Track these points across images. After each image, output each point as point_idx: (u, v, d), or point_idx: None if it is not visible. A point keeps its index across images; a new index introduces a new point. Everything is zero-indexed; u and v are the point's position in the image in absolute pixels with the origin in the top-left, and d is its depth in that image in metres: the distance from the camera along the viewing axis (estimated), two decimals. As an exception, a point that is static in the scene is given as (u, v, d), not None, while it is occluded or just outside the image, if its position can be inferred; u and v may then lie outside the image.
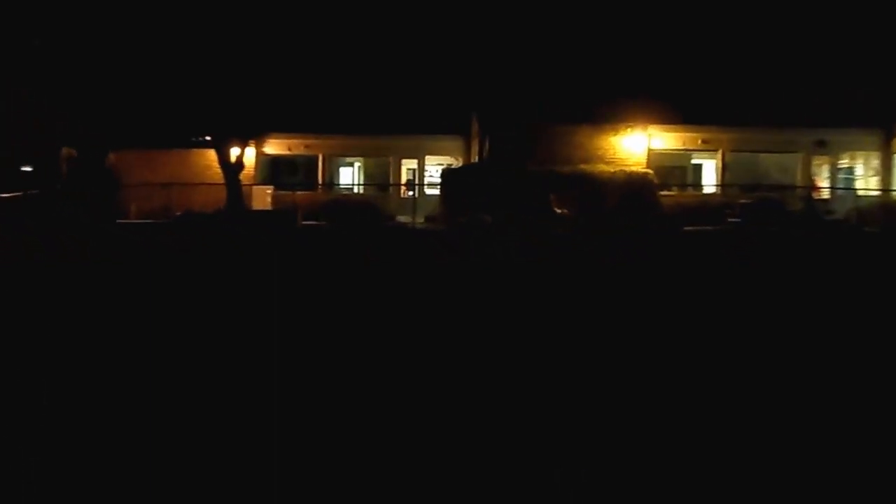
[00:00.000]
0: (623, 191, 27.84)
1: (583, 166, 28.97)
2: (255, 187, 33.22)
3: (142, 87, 31.24)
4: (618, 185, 28.06)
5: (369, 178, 38.15)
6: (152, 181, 32.39)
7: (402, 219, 31.41)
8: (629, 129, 30.46)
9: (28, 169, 34.09)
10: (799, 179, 32.06)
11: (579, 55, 29.67)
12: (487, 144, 31.05)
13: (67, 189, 32.46)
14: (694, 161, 34.80)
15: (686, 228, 26.65)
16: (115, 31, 30.51)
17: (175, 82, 30.74)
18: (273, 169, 36.07)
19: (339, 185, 38.02)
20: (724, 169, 32.21)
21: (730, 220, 28.57)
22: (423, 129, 33.93)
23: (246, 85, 30.48)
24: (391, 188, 35.65)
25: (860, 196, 30.80)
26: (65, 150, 34.21)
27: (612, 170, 28.86)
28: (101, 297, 11.50)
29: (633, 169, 29.28)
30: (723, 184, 32.20)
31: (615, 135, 30.50)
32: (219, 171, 31.93)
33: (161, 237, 24.51)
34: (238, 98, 30.50)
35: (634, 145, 30.50)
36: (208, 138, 33.08)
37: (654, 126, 30.72)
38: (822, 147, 31.49)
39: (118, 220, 30.46)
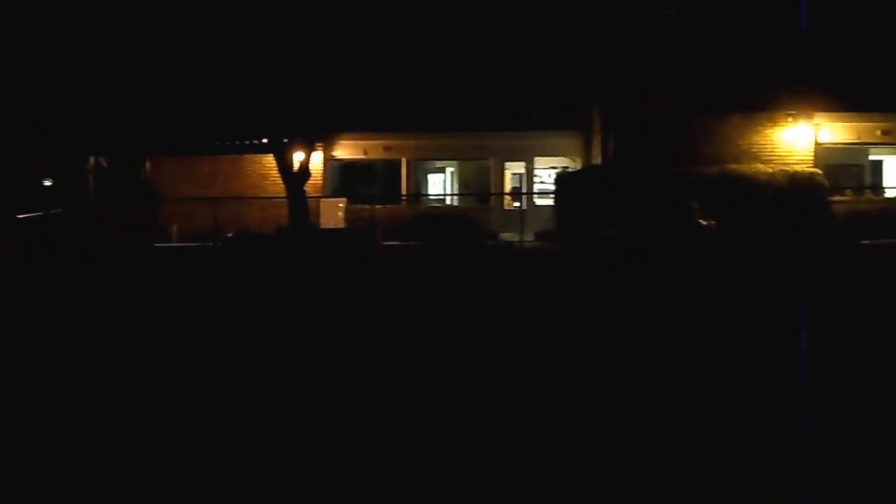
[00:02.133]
0: (785, 196, 28.83)
1: (733, 166, 29.94)
2: (323, 200, 34.32)
3: (183, 80, 33.10)
4: (778, 189, 29.04)
5: (465, 187, 39.56)
6: (197, 195, 34.37)
7: (506, 236, 33.07)
8: (791, 120, 31.29)
9: (48, 183, 36.21)
10: None
11: (726, 29, 30.75)
12: (612, 142, 32.08)
13: (95, 206, 34.83)
14: (872, 157, 35.46)
15: (864, 242, 27.87)
16: (149, 11, 32.38)
17: (223, 72, 32.25)
18: (345, 177, 37.77)
19: (427, 195, 39.82)
20: (910, 167, 32.88)
21: (917, 230, 29.14)
22: (531, 125, 35.14)
23: (311, 74, 31.63)
24: (492, 198, 36.99)
25: None
26: (92, 159, 36.37)
27: (771, 170, 29.77)
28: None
29: (797, 168, 30.16)
30: (909, 185, 32.89)
31: (773, 127, 31.41)
32: (278, 181, 33.50)
33: (210, 265, 26.59)
34: (301, 90, 31.59)
35: (798, 139, 31.39)
36: (265, 141, 34.52)
37: (822, 114, 31.52)
38: None
39: (157, 244, 32.61)
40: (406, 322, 15.23)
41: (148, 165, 37.10)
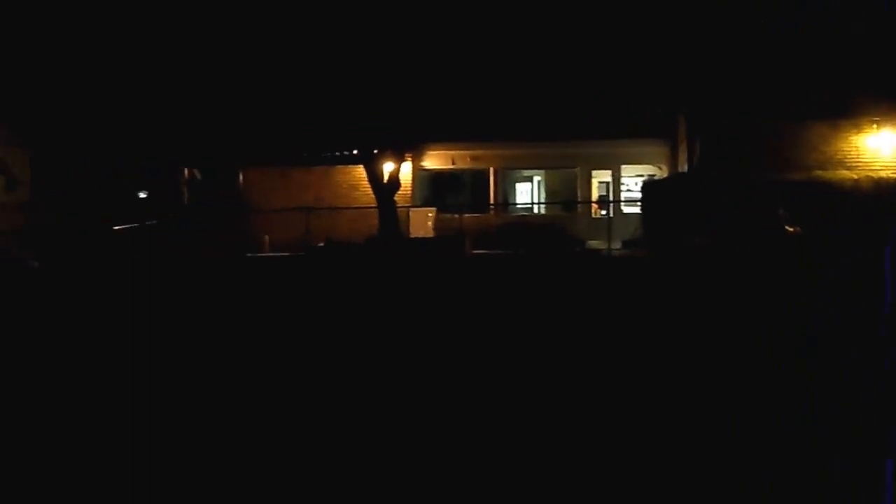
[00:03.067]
0: (870, 202, 28.79)
1: (818, 173, 30.14)
2: (413, 210, 35.76)
3: (275, 92, 34.20)
4: (863, 196, 29.11)
5: (552, 196, 40.52)
6: (288, 206, 35.70)
7: (593, 244, 33.89)
8: (875, 126, 31.48)
9: (143, 195, 37.94)
10: None
11: (809, 36, 30.91)
12: (698, 150, 32.54)
13: (189, 218, 36.14)
14: (958, 163, 35.14)
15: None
16: (240, 26, 33.47)
17: (314, 84, 33.39)
18: (434, 187, 38.97)
19: (514, 204, 40.67)
20: None
21: None
22: (617, 133, 35.91)
23: (399, 85, 32.66)
24: (580, 207, 37.75)
25: None
26: (186, 172, 38.00)
27: (856, 176, 29.94)
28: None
29: (882, 175, 30.24)
30: None
31: (858, 133, 31.61)
32: (368, 191, 34.48)
33: (298, 273, 27.10)
34: (390, 101, 32.62)
35: (882, 145, 31.49)
36: (355, 152, 35.71)
37: (907, 120, 31.43)
38: None
39: (249, 254, 33.61)
40: (493, 328, 15.83)
41: (241, 177, 38.32)
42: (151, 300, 20.67)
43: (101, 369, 13.17)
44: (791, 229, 27.90)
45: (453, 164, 38.66)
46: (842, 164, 31.68)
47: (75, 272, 27.29)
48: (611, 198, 38.37)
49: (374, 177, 33.92)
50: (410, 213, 35.63)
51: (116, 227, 33.74)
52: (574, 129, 36.06)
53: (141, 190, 38.43)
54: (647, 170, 38.70)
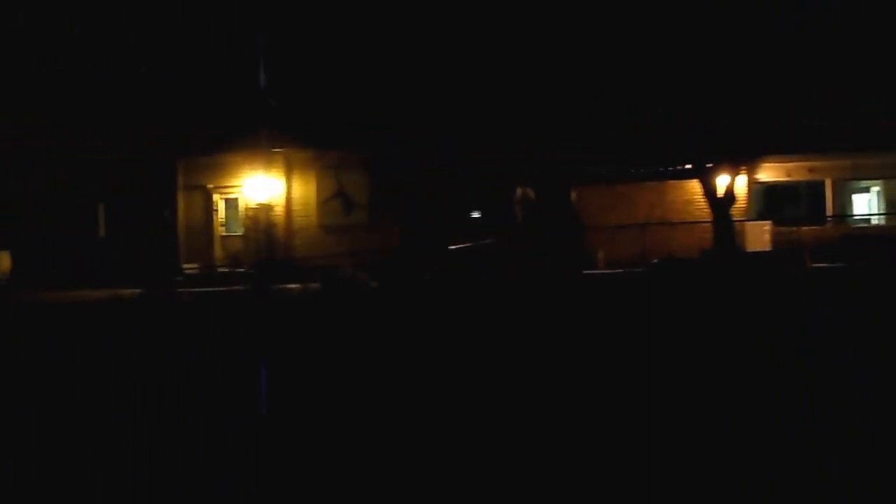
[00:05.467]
0: None
1: None
2: (748, 224, 36.75)
3: (607, 109, 35.88)
4: None
5: (891, 206, 40.35)
6: (620, 222, 37.32)
7: None
8: None
9: (477, 214, 40.53)
10: None
11: None
12: None
13: (524, 235, 37.99)
14: None
15: None
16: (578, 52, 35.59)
17: (649, 100, 35.03)
18: (768, 199, 39.73)
19: (852, 215, 41.04)
20: None
21: None
22: None
23: (738, 95, 33.94)
24: None
25: None
26: (519, 191, 39.91)
27: None
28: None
29: None
30: None
31: None
32: (701, 205, 36.26)
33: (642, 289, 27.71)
34: (726, 115, 33.91)
35: None
36: (689, 167, 37.09)
37: None
38: None
39: (585, 271, 34.79)
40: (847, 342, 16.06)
41: (573, 195, 39.96)
42: (493, 318, 21.65)
43: (453, 387, 13.98)
44: None
45: (788, 176, 39.44)
46: None
47: (414, 292, 28.96)
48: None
49: (709, 191, 35.41)
50: (746, 227, 36.64)
51: (452, 247, 36.01)
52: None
53: (474, 209, 40.79)
54: None
